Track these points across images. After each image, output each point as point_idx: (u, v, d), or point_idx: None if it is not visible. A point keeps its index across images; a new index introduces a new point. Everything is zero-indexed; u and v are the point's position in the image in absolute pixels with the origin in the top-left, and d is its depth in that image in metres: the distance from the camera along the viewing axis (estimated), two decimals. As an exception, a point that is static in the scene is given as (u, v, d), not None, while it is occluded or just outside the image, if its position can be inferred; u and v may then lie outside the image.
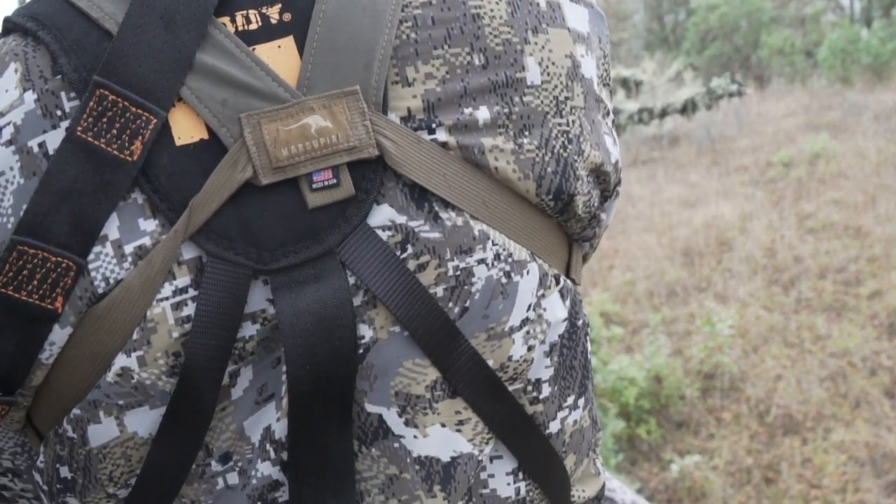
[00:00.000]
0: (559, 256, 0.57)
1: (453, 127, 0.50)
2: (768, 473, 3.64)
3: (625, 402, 4.05)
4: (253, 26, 0.48)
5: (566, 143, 0.53)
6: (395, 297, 0.48)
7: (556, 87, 0.53)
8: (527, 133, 0.51)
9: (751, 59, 17.66)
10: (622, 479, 3.50)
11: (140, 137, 0.45)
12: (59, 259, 0.45)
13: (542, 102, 0.52)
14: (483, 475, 0.55)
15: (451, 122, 0.49)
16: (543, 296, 0.54)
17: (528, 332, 0.53)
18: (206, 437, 0.49)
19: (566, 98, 0.53)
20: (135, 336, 0.46)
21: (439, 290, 0.50)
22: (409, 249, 0.49)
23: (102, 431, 0.48)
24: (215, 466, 0.50)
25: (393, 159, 0.48)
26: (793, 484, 3.52)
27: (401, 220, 0.48)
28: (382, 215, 0.48)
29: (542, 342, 0.54)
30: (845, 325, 4.74)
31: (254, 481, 0.50)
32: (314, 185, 0.47)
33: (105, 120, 0.45)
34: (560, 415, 0.57)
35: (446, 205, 0.50)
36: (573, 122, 0.54)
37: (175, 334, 0.46)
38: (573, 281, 0.59)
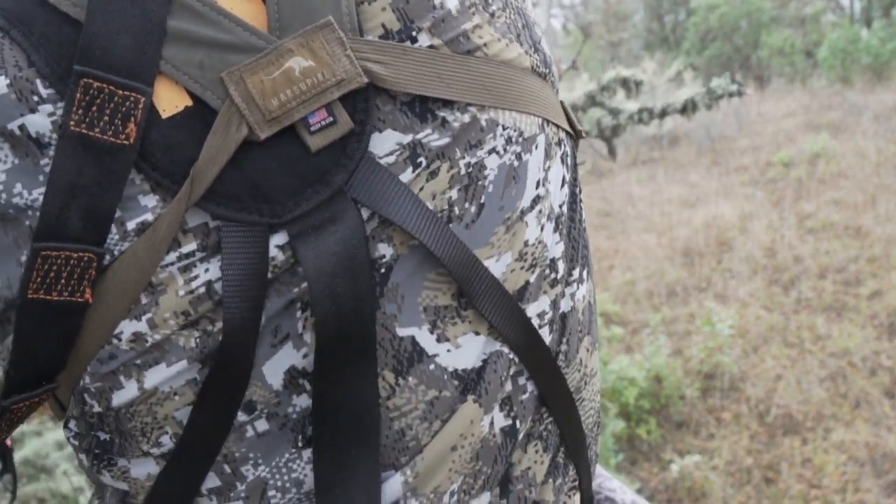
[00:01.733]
0: (561, 114, 0.57)
1: (433, 27, 0.48)
2: (768, 473, 3.64)
3: (625, 402, 4.05)
4: None
5: None
6: (415, 222, 0.47)
7: None
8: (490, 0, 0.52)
9: (751, 59, 17.65)
10: (622, 479, 3.50)
11: (132, 119, 0.45)
12: (81, 254, 0.45)
13: None
14: (521, 380, 0.54)
15: (428, 23, 0.48)
16: (549, 167, 0.53)
17: (539, 211, 0.53)
18: None
19: None
20: (143, 300, 0.46)
21: (454, 193, 0.49)
22: (423, 163, 0.48)
23: (125, 393, 0.48)
24: (241, 416, 0.50)
25: (384, 80, 0.47)
26: (793, 484, 3.52)
27: (407, 138, 0.48)
28: (389, 141, 0.48)
29: (549, 217, 0.54)
30: (845, 325, 4.74)
31: (294, 416, 0.50)
32: (312, 128, 0.46)
33: (95, 109, 0.44)
34: (569, 291, 0.56)
35: (451, 106, 0.49)
36: None
37: (182, 293, 0.46)
38: (578, 134, 0.59)
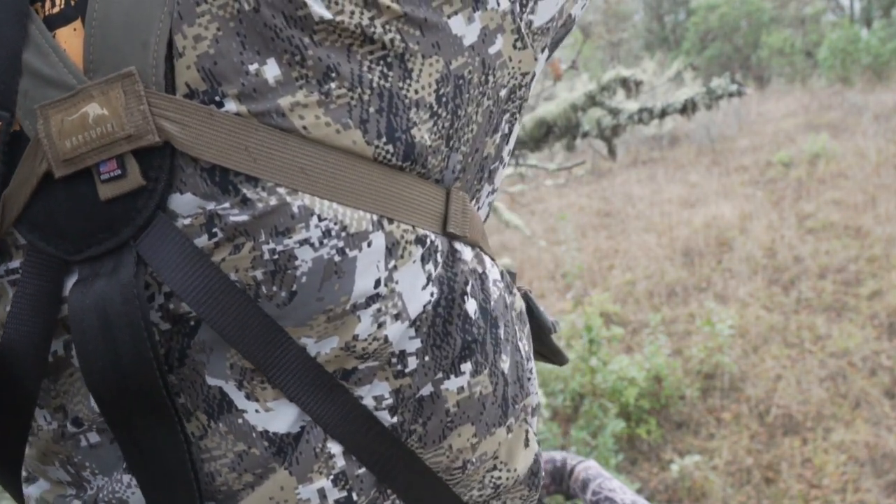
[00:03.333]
0: (427, 212, 0.50)
1: (241, 95, 0.45)
2: (768, 473, 3.64)
3: (625, 402, 4.05)
4: (56, 9, 0.47)
5: (385, 70, 0.46)
6: (193, 290, 0.46)
7: (351, 12, 0.45)
8: (332, 76, 0.45)
9: (751, 59, 17.65)
10: (622, 479, 3.50)
11: None
12: None
13: (338, 37, 0.45)
14: (354, 456, 0.52)
15: (236, 89, 0.45)
16: (395, 267, 0.49)
17: (378, 310, 0.49)
18: (60, 399, 0.51)
19: (371, 18, 0.46)
20: None
21: (258, 274, 0.46)
22: (219, 234, 0.46)
23: None
24: (71, 428, 0.52)
25: (180, 143, 0.44)
26: (793, 484, 3.52)
27: (209, 206, 0.45)
28: (190, 204, 0.46)
29: (399, 317, 0.50)
30: (845, 325, 4.74)
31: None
32: (102, 177, 0.45)
33: None
34: (431, 381, 0.52)
35: (255, 182, 0.45)
36: (391, 40, 0.46)
37: (9, 307, 0.48)
38: (453, 235, 0.52)
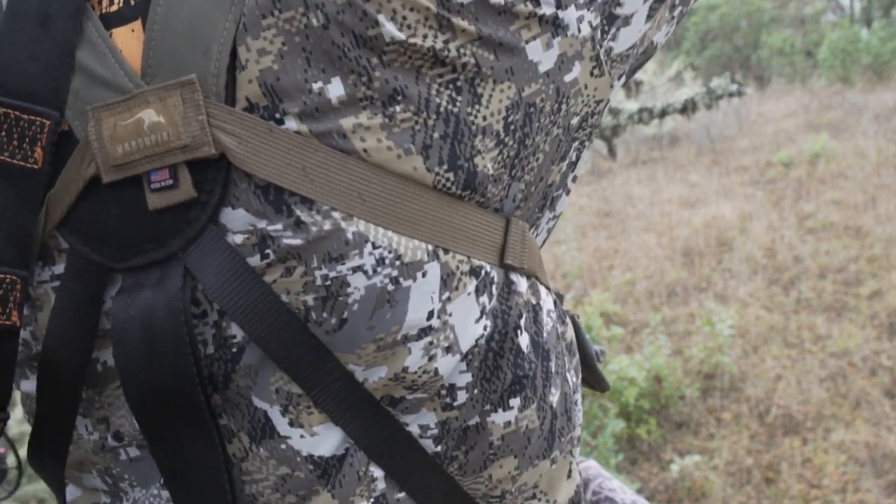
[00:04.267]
0: (484, 242, 0.48)
1: (303, 113, 0.43)
2: (768, 473, 3.64)
3: (625, 402, 4.05)
4: (114, 7, 0.45)
5: (454, 94, 0.44)
6: (242, 308, 0.44)
7: (423, 34, 0.43)
8: (398, 98, 0.44)
9: (751, 59, 17.65)
10: (622, 479, 3.50)
11: (38, 143, 0.45)
12: (3, 276, 0.45)
13: (409, 58, 0.44)
14: (372, 469, 0.51)
15: (297, 107, 0.43)
16: (449, 299, 0.47)
17: (430, 343, 0.47)
18: (104, 411, 0.51)
19: (445, 41, 0.44)
20: (26, 312, 0.49)
21: (309, 299, 0.45)
22: (271, 255, 0.44)
23: (26, 384, 0.52)
24: (111, 442, 0.51)
25: (235, 157, 0.43)
26: (793, 484, 3.52)
27: (260, 224, 0.44)
28: (241, 220, 0.44)
29: (450, 350, 0.48)
30: (845, 325, 4.74)
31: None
32: (153, 186, 0.44)
33: (3, 133, 0.44)
34: (479, 413, 0.51)
35: (310, 204, 0.43)
36: (463, 64, 0.44)
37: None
38: (510, 267, 0.50)
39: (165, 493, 0.51)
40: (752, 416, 4.08)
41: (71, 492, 0.56)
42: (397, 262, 0.45)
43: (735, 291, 5.44)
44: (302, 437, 0.49)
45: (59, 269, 0.47)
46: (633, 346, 4.91)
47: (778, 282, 5.52)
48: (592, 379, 0.69)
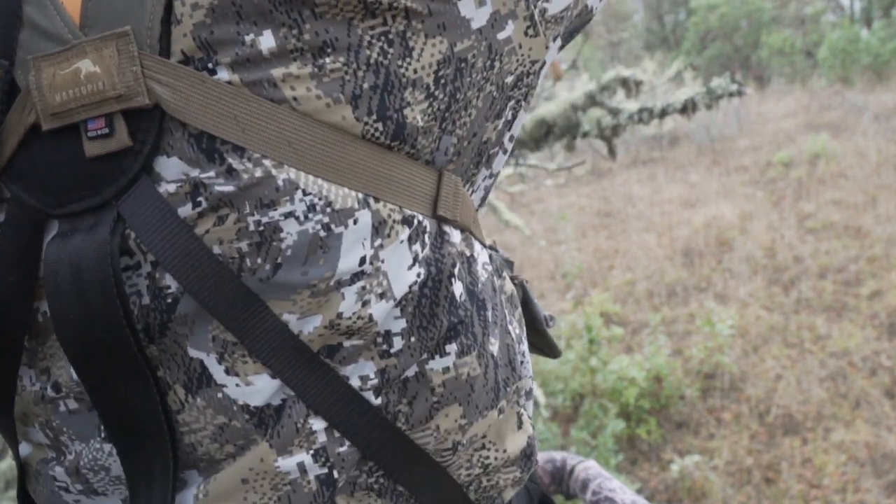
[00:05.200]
0: (416, 193, 0.50)
1: (235, 63, 0.44)
2: (768, 473, 3.64)
3: (625, 402, 4.05)
4: None
5: (385, 46, 0.46)
6: (173, 257, 0.45)
7: None
8: (328, 50, 0.45)
9: (751, 59, 17.65)
10: (622, 479, 3.50)
11: None
12: None
13: (340, 11, 0.45)
14: (336, 433, 0.52)
15: (229, 58, 0.44)
16: (381, 246, 0.48)
17: (362, 288, 0.48)
18: (46, 362, 0.51)
19: None
20: None
21: (243, 246, 0.46)
22: (203, 203, 0.45)
23: None
24: (50, 392, 0.52)
25: (170, 106, 0.44)
26: (793, 484, 3.52)
27: (193, 173, 0.45)
28: (174, 169, 0.45)
29: (384, 296, 0.49)
30: (845, 325, 4.74)
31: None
32: (89, 134, 0.45)
33: None
34: (417, 362, 0.52)
35: (242, 152, 0.45)
36: (394, 16, 0.46)
37: None
38: (443, 218, 0.52)
39: (108, 446, 0.52)
40: (752, 416, 4.08)
41: (23, 448, 0.57)
42: (328, 209, 0.46)
43: (735, 291, 5.44)
44: (237, 385, 0.49)
45: (1, 217, 0.48)
46: (633, 346, 4.91)
47: (778, 282, 5.52)
48: (543, 344, 0.70)
